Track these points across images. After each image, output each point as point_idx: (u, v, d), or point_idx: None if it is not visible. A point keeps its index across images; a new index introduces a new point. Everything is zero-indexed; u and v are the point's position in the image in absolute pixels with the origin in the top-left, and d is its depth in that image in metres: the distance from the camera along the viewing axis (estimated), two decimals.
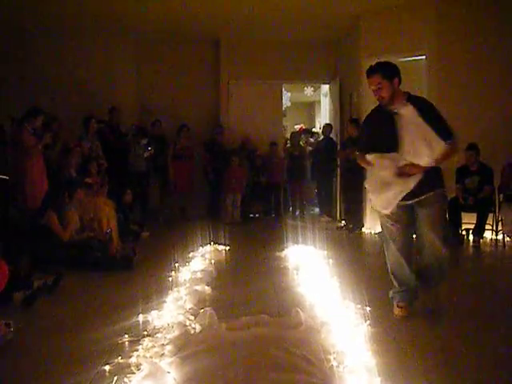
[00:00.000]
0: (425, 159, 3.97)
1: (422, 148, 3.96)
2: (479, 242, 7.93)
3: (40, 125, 7.52)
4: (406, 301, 4.32)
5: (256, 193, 11.20)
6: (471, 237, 8.07)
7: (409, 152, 4.02)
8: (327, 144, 11.02)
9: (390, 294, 4.41)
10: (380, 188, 4.17)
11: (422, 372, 3.14)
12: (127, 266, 6.19)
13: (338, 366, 3.14)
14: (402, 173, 4.02)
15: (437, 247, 4.18)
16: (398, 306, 4.31)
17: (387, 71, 4.16)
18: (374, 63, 4.26)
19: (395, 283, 4.37)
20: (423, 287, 4.39)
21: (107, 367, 3.17)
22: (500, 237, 8.17)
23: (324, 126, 11.67)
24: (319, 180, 11.26)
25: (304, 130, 13.66)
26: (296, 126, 15.54)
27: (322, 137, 11.59)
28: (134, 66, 11.28)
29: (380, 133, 4.26)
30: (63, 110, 9.59)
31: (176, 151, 10.45)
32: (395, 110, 4.16)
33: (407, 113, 4.08)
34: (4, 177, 6.72)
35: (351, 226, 9.49)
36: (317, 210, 11.98)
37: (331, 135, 11.28)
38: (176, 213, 10.57)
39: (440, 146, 3.92)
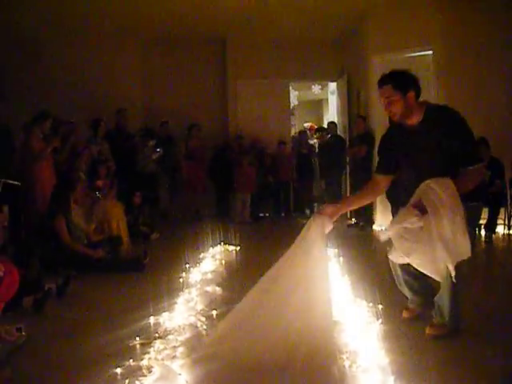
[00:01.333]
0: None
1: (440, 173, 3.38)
2: (491, 237, 7.88)
3: (48, 128, 7.55)
4: (420, 304, 4.01)
5: (265, 192, 11.19)
6: (483, 232, 8.02)
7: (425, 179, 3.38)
8: (335, 141, 10.98)
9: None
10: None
11: (436, 369, 3.12)
12: (138, 267, 6.18)
13: (350, 366, 3.12)
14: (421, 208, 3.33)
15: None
16: (406, 308, 4.07)
17: (400, 82, 3.51)
18: (387, 72, 3.62)
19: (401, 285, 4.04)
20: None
21: (119, 370, 3.15)
22: None
23: (329, 125, 11.62)
24: (328, 178, 11.23)
25: (317, 128, 13.60)
26: (305, 125, 15.48)
27: (329, 135, 11.54)
28: (141, 67, 11.31)
29: (395, 152, 3.71)
30: (71, 112, 9.60)
31: (188, 151, 10.47)
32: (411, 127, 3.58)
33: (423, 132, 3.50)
34: (15, 182, 6.73)
35: (361, 223, 9.47)
36: None
37: (339, 133, 11.25)
38: (191, 214, 10.61)
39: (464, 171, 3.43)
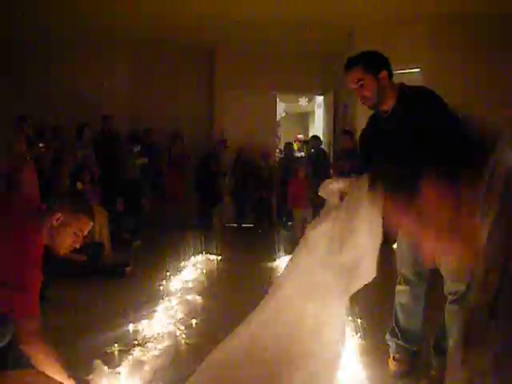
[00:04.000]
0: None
1: None
2: None
3: (31, 130, 7.51)
4: (406, 353, 3.37)
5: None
6: None
7: None
8: (318, 155, 10.95)
9: (387, 336, 3.51)
10: None
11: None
12: (119, 274, 6.16)
13: None
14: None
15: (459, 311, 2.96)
16: (394, 359, 3.39)
17: (371, 61, 3.13)
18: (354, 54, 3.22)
19: (396, 329, 3.42)
20: (435, 354, 3.23)
21: (92, 376, 3.13)
22: None
23: (311, 139, 11.62)
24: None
25: (304, 140, 13.66)
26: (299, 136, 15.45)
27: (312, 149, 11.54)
28: (128, 74, 11.28)
29: (372, 144, 3.18)
30: (57, 117, 9.58)
31: (171, 159, 10.44)
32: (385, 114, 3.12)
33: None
34: None
35: None
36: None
37: (324, 146, 11.28)
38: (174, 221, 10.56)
39: None
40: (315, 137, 11.51)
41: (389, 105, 3.09)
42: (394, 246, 3.68)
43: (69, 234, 2.78)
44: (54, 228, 2.73)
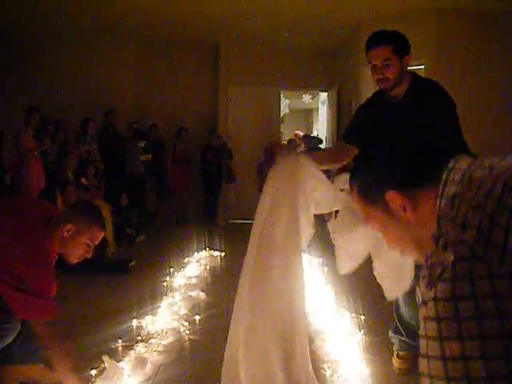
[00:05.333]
0: None
1: None
2: None
3: (38, 122, 7.53)
4: (410, 350, 3.28)
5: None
6: None
7: None
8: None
9: (390, 333, 3.46)
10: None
11: (415, 381, 3.13)
12: (122, 269, 6.16)
13: (332, 375, 3.13)
14: None
15: None
16: (397, 356, 3.35)
17: (401, 44, 3.02)
18: (378, 30, 3.11)
19: (399, 326, 3.35)
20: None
21: (93, 372, 3.14)
22: None
23: (304, 138, 11.65)
24: None
25: (305, 135, 13.67)
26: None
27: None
28: (134, 68, 11.27)
29: (372, 125, 3.07)
30: (61, 111, 9.59)
31: (176, 155, 10.43)
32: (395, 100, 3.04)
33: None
34: None
35: None
36: None
37: (326, 142, 11.28)
38: (177, 217, 10.56)
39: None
40: (309, 136, 11.53)
41: (401, 90, 3.03)
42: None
43: (80, 245, 2.69)
44: (66, 238, 2.65)
